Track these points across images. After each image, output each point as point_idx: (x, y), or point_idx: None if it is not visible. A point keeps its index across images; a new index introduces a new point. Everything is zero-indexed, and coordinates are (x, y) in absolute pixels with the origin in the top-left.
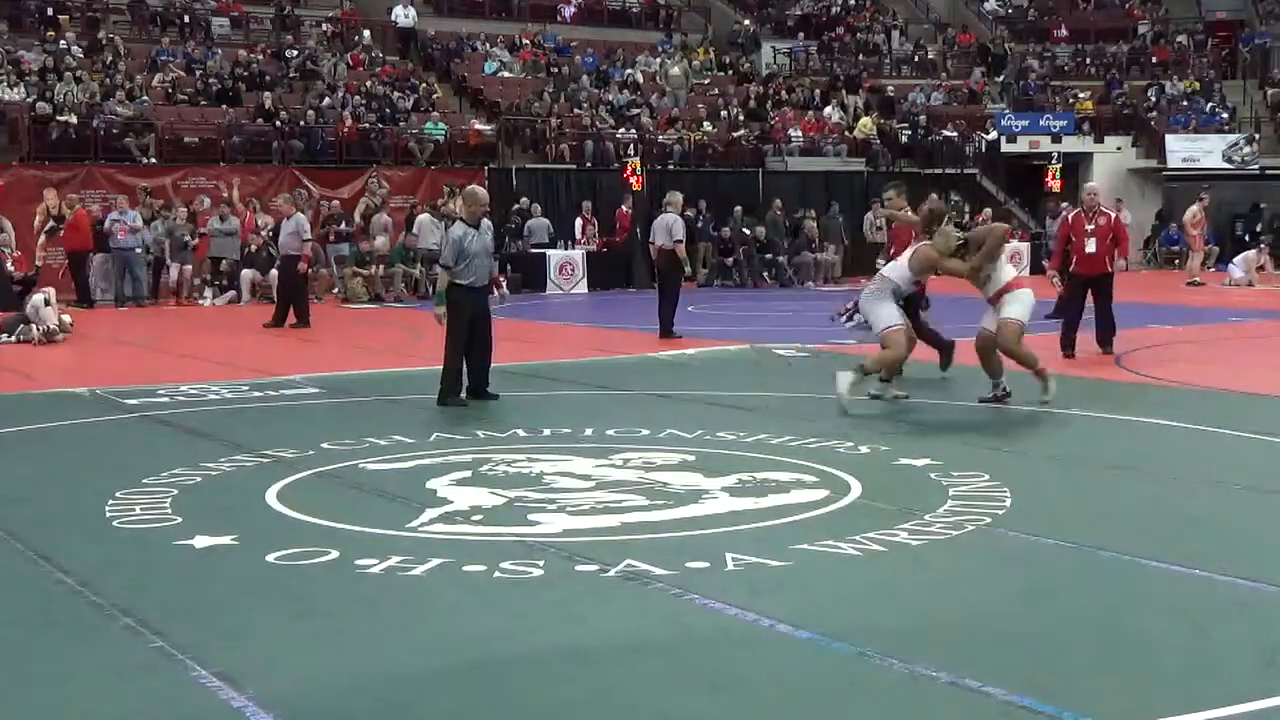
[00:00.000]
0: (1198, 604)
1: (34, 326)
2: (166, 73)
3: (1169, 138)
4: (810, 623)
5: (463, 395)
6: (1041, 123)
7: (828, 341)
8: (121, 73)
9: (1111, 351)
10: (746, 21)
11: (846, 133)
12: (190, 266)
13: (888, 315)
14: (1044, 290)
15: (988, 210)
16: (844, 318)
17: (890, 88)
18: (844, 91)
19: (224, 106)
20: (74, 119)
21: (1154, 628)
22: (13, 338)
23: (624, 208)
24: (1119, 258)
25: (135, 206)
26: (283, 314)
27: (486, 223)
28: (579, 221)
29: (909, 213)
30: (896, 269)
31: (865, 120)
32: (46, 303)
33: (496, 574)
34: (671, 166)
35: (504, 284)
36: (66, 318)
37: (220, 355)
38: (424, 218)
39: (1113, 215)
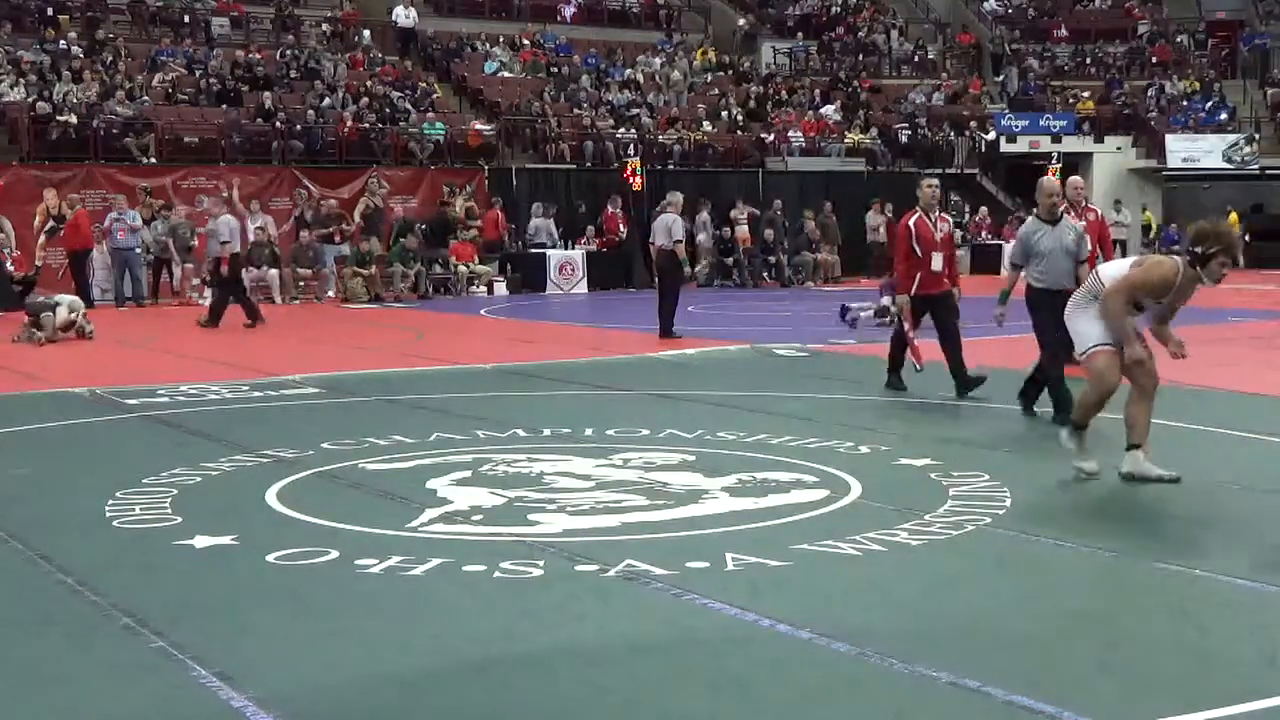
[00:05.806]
0: (1198, 604)
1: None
2: (166, 73)
3: (1169, 138)
4: (810, 623)
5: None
6: (1041, 123)
7: (827, 342)
8: (121, 73)
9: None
10: (751, 18)
11: (847, 133)
12: (190, 265)
13: (1087, 332)
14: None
15: (984, 208)
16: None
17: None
18: (845, 95)
19: (224, 106)
20: (74, 119)
21: (1154, 628)
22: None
23: (611, 209)
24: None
25: (135, 206)
26: (217, 316)
27: (1069, 220)
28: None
29: None
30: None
31: (860, 136)
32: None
33: (496, 574)
34: (671, 166)
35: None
36: (90, 326)
37: (220, 355)
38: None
39: (1099, 212)
